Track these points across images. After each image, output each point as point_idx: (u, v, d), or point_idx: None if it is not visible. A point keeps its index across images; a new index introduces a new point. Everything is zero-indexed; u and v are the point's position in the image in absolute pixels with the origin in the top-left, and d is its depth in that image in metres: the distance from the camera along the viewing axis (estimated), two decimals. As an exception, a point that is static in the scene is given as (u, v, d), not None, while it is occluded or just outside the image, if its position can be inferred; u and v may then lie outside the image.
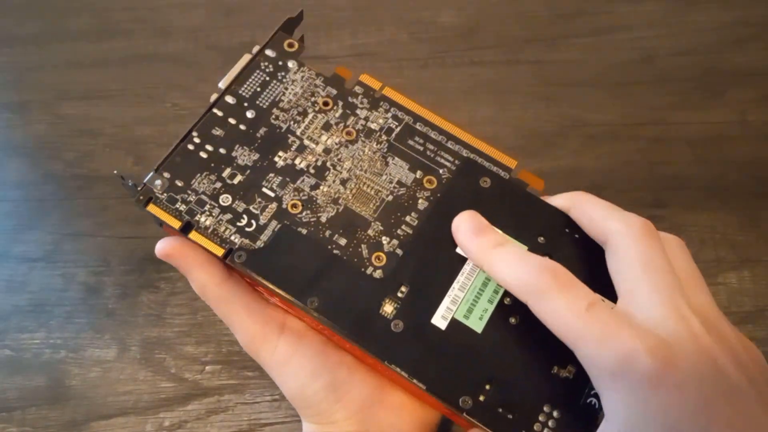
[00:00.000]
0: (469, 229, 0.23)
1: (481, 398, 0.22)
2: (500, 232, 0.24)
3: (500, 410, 0.22)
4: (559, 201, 0.25)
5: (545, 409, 0.22)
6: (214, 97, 0.26)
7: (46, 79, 0.43)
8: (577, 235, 0.25)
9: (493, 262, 0.22)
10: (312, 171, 0.25)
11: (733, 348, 0.19)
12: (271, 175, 0.25)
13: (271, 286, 0.23)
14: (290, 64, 0.27)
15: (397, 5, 0.47)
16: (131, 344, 0.34)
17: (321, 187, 0.25)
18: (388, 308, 0.23)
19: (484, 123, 0.41)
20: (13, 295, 0.35)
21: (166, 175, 0.24)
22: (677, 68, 0.44)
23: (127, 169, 0.38)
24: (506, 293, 0.24)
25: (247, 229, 0.24)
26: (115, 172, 0.25)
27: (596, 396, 0.22)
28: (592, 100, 0.42)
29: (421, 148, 0.26)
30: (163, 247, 0.24)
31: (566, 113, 0.42)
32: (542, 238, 0.25)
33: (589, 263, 0.24)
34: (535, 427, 0.22)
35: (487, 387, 0.22)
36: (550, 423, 0.22)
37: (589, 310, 0.19)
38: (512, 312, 0.24)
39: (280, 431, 0.30)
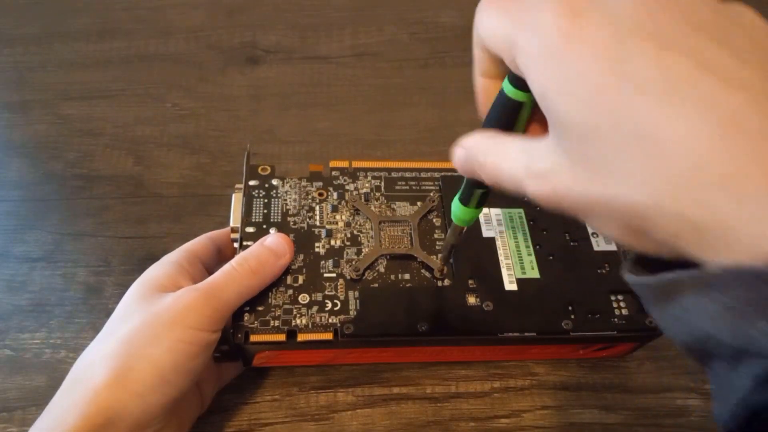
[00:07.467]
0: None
1: (573, 317, 0.28)
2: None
3: (589, 316, 0.28)
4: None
5: (612, 297, 0.29)
6: (235, 236, 0.29)
7: (47, 79, 0.43)
8: None
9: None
10: (348, 243, 0.30)
11: None
12: (323, 262, 0.29)
13: (382, 339, 0.27)
14: (274, 182, 0.31)
15: (398, 5, 0.47)
16: (132, 344, 0.34)
17: (363, 250, 0.30)
18: (472, 299, 0.29)
19: (484, 123, 0.41)
20: (13, 295, 0.35)
21: (246, 308, 0.27)
22: (677, 68, 0.44)
23: (128, 169, 0.39)
24: (534, 241, 0.31)
25: (335, 309, 0.28)
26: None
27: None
28: (593, 100, 0.42)
29: (407, 187, 0.32)
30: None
31: (566, 113, 0.42)
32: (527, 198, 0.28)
33: None
34: (615, 312, 0.29)
35: (570, 308, 0.28)
36: (621, 303, 0.29)
37: None
38: (546, 251, 0.30)
39: (280, 431, 0.30)
